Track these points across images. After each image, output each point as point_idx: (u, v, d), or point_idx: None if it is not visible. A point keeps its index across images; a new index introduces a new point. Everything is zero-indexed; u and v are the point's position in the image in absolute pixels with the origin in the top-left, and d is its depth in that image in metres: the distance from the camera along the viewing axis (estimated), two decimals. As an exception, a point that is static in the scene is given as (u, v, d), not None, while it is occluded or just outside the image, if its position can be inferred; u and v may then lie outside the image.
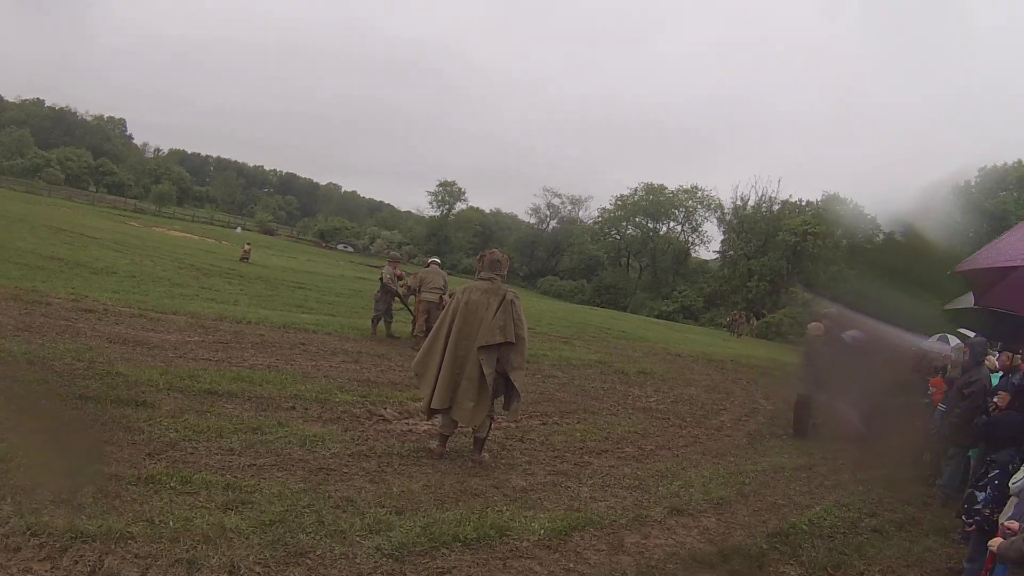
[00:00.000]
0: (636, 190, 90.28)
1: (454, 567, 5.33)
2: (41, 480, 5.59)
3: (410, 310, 17.86)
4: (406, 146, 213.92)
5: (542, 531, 6.26)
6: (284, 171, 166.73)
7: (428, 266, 17.48)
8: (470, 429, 8.38)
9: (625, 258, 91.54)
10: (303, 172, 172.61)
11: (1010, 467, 6.64)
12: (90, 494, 5.50)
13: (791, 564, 6.76)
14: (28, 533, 4.69)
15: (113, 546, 4.72)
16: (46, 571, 4.34)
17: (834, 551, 7.32)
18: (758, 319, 60.73)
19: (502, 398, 8.33)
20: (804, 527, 7.83)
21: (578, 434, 10.50)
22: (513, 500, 7.08)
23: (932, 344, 19.15)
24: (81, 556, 4.55)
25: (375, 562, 5.17)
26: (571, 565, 5.77)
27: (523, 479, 7.89)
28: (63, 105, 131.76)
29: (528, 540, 6.06)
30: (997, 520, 5.99)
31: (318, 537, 5.38)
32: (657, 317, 64.15)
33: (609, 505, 7.40)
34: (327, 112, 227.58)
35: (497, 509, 6.65)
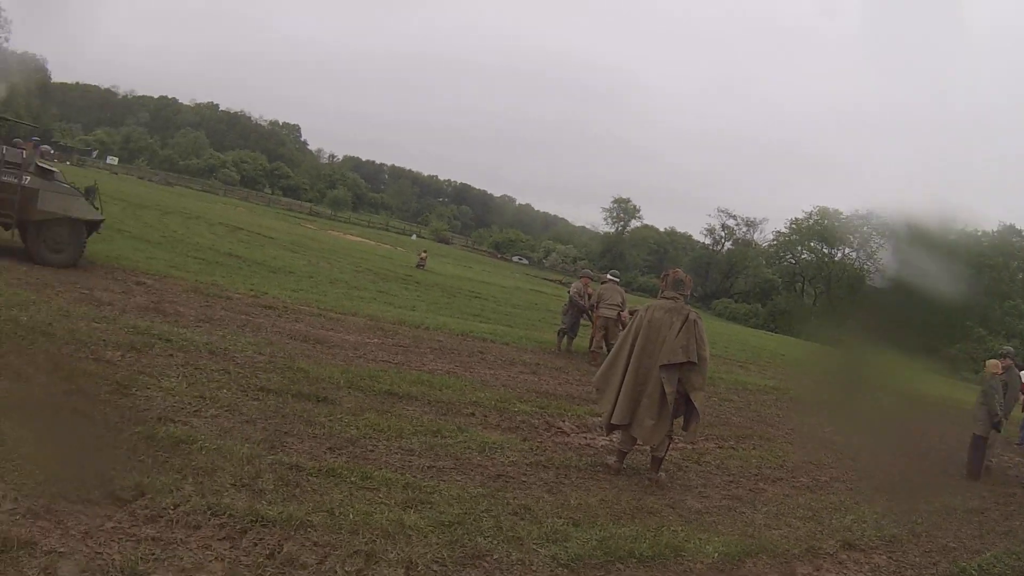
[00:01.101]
0: (811, 214, 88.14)
1: None
2: (222, 464, 5.96)
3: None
4: (579, 163, 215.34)
5: (716, 555, 6.26)
6: (459, 181, 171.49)
7: (605, 282, 17.56)
8: (648, 447, 8.49)
9: (800, 283, 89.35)
10: (477, 184, 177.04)
11: None
12: (271, 481, 5.83)
13: None
14: (209, 513, 4.99)
15: (293, 532, 4.97)
16: (225, 550, 4.58)
17: None
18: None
19: (681, 418, 8.44)
20: (974, 572, 7.53)
21: (753, 460, 10.44)
22: (688, 521, 7.13)
23: None
24: (260, 539, 4.80)
25: (551, 570, 5.26)
26: None
27: (698, 501, 7.94)
28: (238, 109, 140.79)
29: (701, 562, 6.08)
30: None
31: (495, 541, 5.51)
32: (830, 345, 61.78)
33: (782, 534, 7.37)
34: (498, 127, 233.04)
35: (672, 529, 6.71)
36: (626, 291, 18.60)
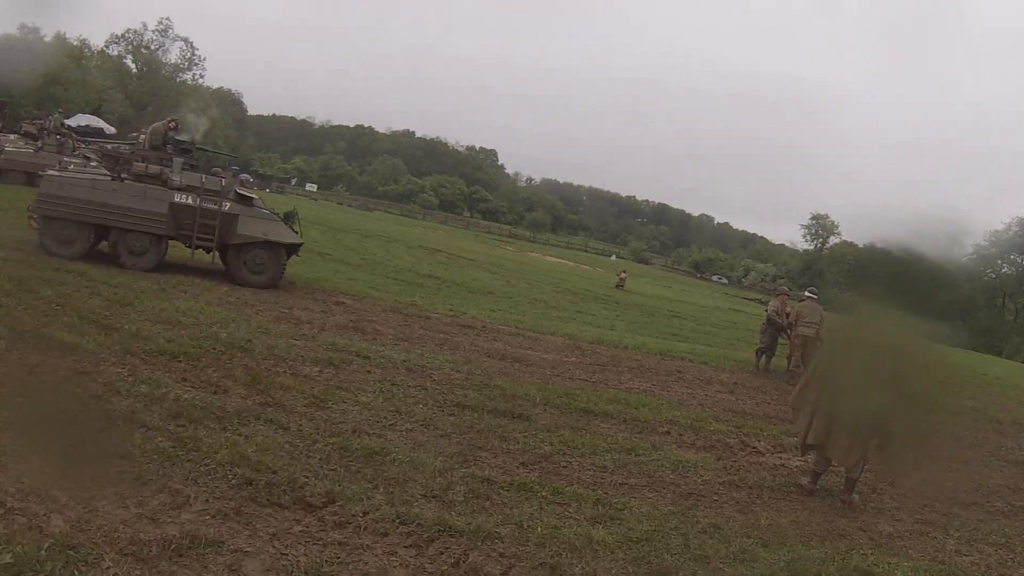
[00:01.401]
0: (1010, 225, 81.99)
1: None
2: (414, 476, 6.13)
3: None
4: (777, 180, 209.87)
5: None
6: (656, 201, 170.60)
7: (803, 300, 17.09)
8: (842, 468, 8.26)
9: (1000, 299, 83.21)
10: (675, 204, 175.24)
11: None
12: (461, 493, 5.96)
13: None
14: (397, 521, 5.15)
15: (480, 543, 5.04)
16: (411, 557, 4.69)
17: None
18: None
19: (876, 439, 8.08)
20: None
21: (948, 483, 9.82)
22: (878, 545, 6.89)
23: None
24: (447, 548, 4.90)
25: None
26: None
27: (890, 525, 7.65)
28: (434, 136, 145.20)
29: None
30: None
31: (682, 559, 5.45)
32: None
33: (973, 561, 7.03)
34: (695, 146, 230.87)
35: (862, 552, 6.50)
36: (825, 309, 18.07)
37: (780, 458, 9.40)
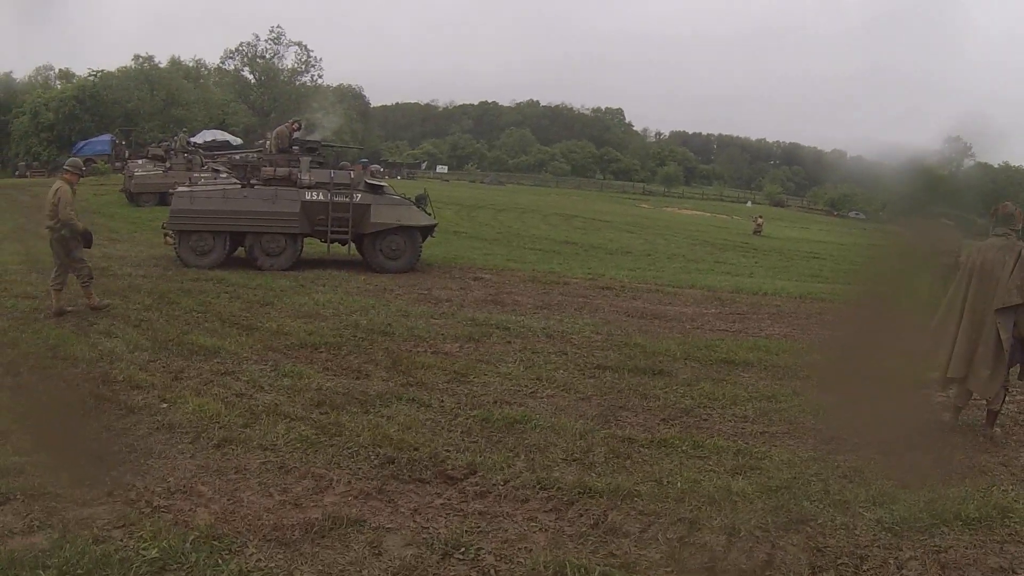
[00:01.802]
0: None
1: (950, 546, 4.98)
2: (555, 441, 6.21)
3: None
4: (908, 106, 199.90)
5: None
6: (787, 142, 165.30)
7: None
8: (983, 401, 7.82)
9: None
10: (807, 142, 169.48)
11: None
12: (602, 454, 5.99)
13: None
14: (537, 486, 5.22)
15: (619, 502, 5.06)
16: (551, 521, 4.76)
17: None
18: None
19: (1018, 367, 7.69)
20: None
21: None
22: (1020, 480, 6.48)
23: None
24: (586, 510, 4.94)
25: (874, 535, 4.98)
26: None
27: None
28: (559, 102, 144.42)
29: None
30: None
31: (821, 506, 5.32)
32: None
33: None
34: (821, 85, 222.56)
35: (1003, 489, 6.14)
36: (963, 236, 17.22)
37: (922, 394, 9.07)
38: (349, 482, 5.16)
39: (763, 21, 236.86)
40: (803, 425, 7.30)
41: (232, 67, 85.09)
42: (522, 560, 4.30)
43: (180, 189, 14.67)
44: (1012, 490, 6.17)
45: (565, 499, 5.04)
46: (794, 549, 4.69)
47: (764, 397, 8.07)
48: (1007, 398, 7.96)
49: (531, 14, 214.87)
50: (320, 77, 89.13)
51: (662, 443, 6.34)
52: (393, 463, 5.52)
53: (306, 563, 4.15)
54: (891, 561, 4.72)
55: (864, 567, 4.62)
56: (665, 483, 5.41)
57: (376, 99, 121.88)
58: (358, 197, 14.58)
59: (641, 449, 6.19)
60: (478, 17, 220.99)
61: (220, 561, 4.05)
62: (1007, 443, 7.62)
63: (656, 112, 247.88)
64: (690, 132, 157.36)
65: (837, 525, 5.06)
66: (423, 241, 15.51)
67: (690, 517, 4.89)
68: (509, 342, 9.75)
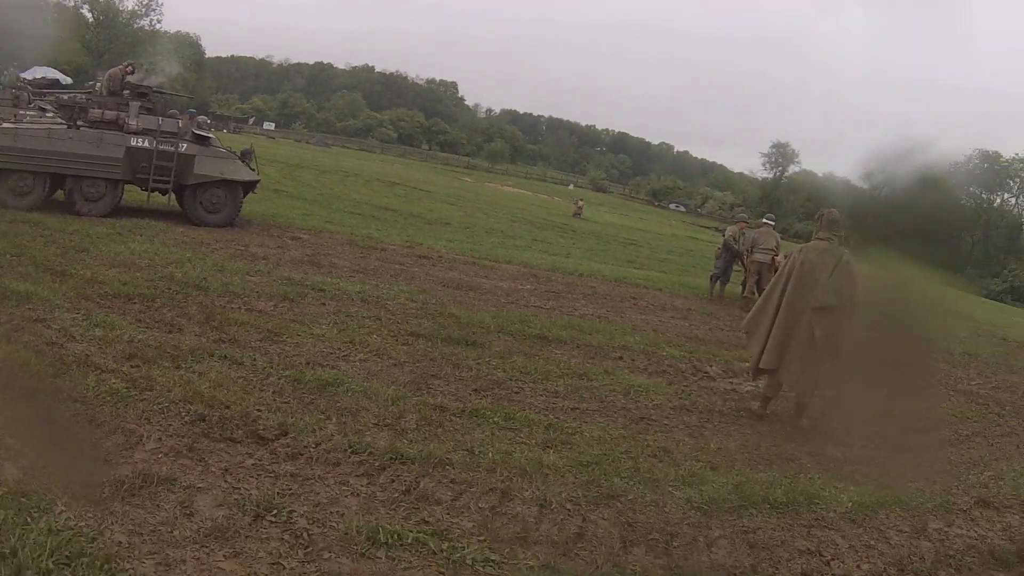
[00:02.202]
0: (969, 157, 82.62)
1: (759, 528, 5.24)
2: (367, 405, 6.10)
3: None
4: (739, 109, 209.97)
5: (850, 504, 6.07)
6: (616, 130, 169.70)
7: (760, 226, 17.15)
8: (794, 393, 8.27)
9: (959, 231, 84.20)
10: (635, 132, 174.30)
11: None
12: (414, 421, 5.93)
13: None
14: (349, 451, 5.11)
15: (431, 470, 5.02)
16: (362, 486, 4.67)
17: None
18: None
19: (829, 364, 8.06)
20: None
21: (898, 411, 9.85)
22: (826, 469, 6.92)
23: None
24: (398, 476, 4.87)
25: (683, 513, 5.16)
26: (872, 542, 5.55)
27: (838, 450, 7.63)
28: (394, 70, 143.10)
29: (835, 511, 5.90)
30: None
31: (631, 483, 5.46)
32: (985, 297, 58.48)
33: (918, 487, 7.03)
34: (653, 77, 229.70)
35: (809, 476, 6.53)
36: (782, 237, 18.18)
37: (731, 383, 9.42)
38: (160, 439, 4.88)
39: (622, 15, 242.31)
40: (614, 404, 7.47)
41: (72, 3, 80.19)
42: (334, 524, 4.18)
43: (4, 125, 13.64)
44: (818, 478, 6.51)
45: (377, 464, 4.95)
46: (605, 523, 4.78)
47: (576, 375, 8.20)
48: (816, 393, 8.37)
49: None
50: (159, 22, 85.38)
51: (474, 413, 6.34)
52: (204, 421, 5.27)
53: (116, 522, 3.88)
54: (701, 539, 4.87)
55: (674, 543, 4.75)
56: (477, 453, 5.40)
57: (212, 50, 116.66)
58: (184, 147, 13.89)
59: (453, 418, 6.16)
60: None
61: (29, 519, 3.73)
62: (815, 434, 8.01)
63: (493, 91, 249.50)
64: (521, 112, 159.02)
65: (647, 502, 5.18)
66: (244, 197, 14.97)
67: (502, 487, 4.90)
68: (324, 304, 9.52)
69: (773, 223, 17.50)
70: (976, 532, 6.37)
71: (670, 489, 5.49)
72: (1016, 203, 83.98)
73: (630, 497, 5.19)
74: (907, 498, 6.61)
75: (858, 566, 5.13)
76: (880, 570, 5.16)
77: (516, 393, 7.24)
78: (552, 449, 5.79)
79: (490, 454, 5.40)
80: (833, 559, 5.12)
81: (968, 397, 12.37)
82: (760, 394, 8.46)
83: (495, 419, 6.27)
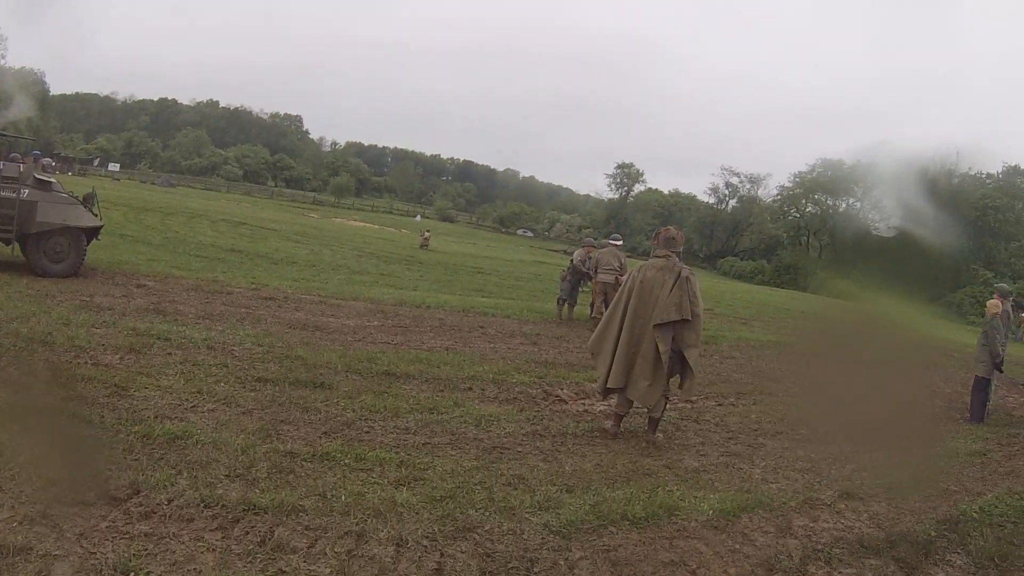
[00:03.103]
0: (814, 166, 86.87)
1: (620, 545, 5.35)
2: (217, 456, 6.00)
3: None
4: (584, 132, 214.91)
5: (711, 511, 6.23)
6: (462, 159, 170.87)
7: (605, 247, 17.53)
8: (645, 409, 8.45)
9: (805, 237, 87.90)
10: (480, 160, 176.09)
11: None
12: (264, 469, 5.86)
13: (958, 553, 6.43)
14: (202, 505, 5.03)
15: (284, 518, 4.99)
16: (217, 540, 4.61)
17: (1003, 540, 6.91)
18: (937, 299, 57.92)
19: (677, 377, 8.38)
20: (974, 515, 7.47)
21: (753, 415, 10.40)
22: (684, 480, 7.09)
23: None
24: (252, 527, 4.82)
25: (542, 538, 5.24)
26: (737, 546, 5.70)
27: (696, 460, 7.90)
28: (238, 105, 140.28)
29: (696, 520, 6.05)
30: None
31: (487, 513, 5.51)
32: (837, 297, 61.56)
33: (780, 487, 7.33)
34: (497, 102, 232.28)
35: (667, 489, 6.67)
36: (630, 255, 18.61)
37: (583, 405, 9.59)
38: (12, 507, 4.69)
39: (471, 39, 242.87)
40: (465, 435, 7.53)
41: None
42: (192, 582, 4.15)
43: None
44: (677, 490, 6.66)
45: (230, 517, 4.89)
46: (463, 556, 4.83)
47: (426, 409, 8.24)
48: (667, 406, 8.59)
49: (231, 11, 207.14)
50: (3, 57, 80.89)
51: (324, 456, 6.30)
52: (56, 484, 5.09)
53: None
54: (561, 562, 4.96)
55: (535, 569, 4.83)
56: (330, 497, 5.39)
57: (57, 87, 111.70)
58: (25, 193, 13.23)
59: (304, 463, 6.11)
60: (168, 5, 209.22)
61: None
62: (670, 447, 8.25)
63: (335, 119, 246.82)
64: (366, 143, 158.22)
65: (505, 531, 5.25)
66: (88, 243, 14.40)
67: (357, 530, 4.91)
68: (170, 353, 9.28)
69: (619, 243, 17.90)
70: (843, 523, 6.62)
71: (527, 515, 5.56)
72: (861, 206, 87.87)
73: (487, 528, 5.24)
74: (769, 499, 6.82)
75: (725, 571, 5.27)
76: (748, 572, 5.31)
77: (366, 433, 7.22)
78: (405, 486, 5.81)
79: (343, 497, 5.39)
80: (699, 567, 5.24)
81: (825, 395, 12.81)
82: (612, 412, 8.57)
83: (346, 461, 6.25)
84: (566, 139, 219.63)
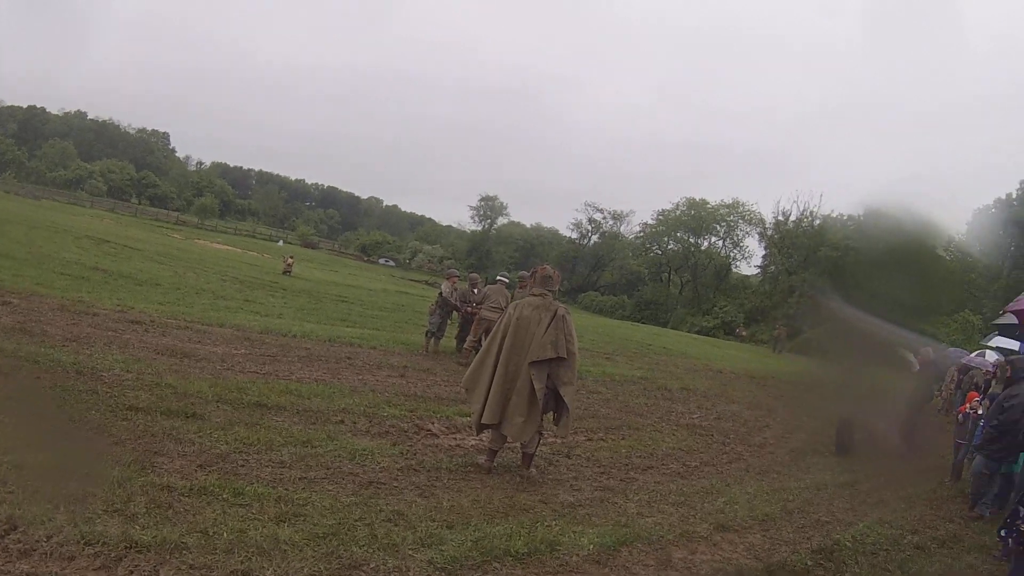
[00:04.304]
0: (678, 204, 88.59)
1: None
2: (93, 490, 5.70)
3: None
4: (447, 162, 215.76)
5: (591, 546, 6.29)
6: (326, 185, 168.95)
7: (495, 283, 17.56)
8: (518, 444, 8.45)
9: (666, 273, 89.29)
10: (344, 186, 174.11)
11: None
12: (143, 504, 5.61)
13: None
14: (83, 542, 4.78)
15: (168, 556, 4.80)
16: (102, 580, 4.40)
17: (877, 567, 7.35)
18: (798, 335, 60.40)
19: (552, 413, 8.42)
20: (848, 544, 7.83)
21: (623, 450, 10.58)
22: (561, 515, 7.13)
23: (973, 359, 18.89)
24: (136, 566, 4.63)
25: (428, 575, 5.20)
26: None
27: (570, 495, 7.95)
28: (106, 118, 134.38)
29: (577, 555, 6.10)
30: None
31: (371, 550, 5.43)
32: (698, 333, 63.32)
33: (656, 521, 7.45)
34: (362, 128, 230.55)
35: (546, 524, 6.70)
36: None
37: (455, 439, 9.54)
38: None
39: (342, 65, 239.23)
40: (341, 470, 7.39)
41: None
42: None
43: None
44: (556, 525, 6.69)
45: (113, 555, 4.67)
46: (351, 594, 4.72)
47: (300, 442, 8.05)
48: (541, 441, 8.58)
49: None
50: None
51: (202, 491, 6.08)
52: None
53: None
54: None
55: None
56: (212, 534, 5.20)
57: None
58: None
59: (182, 498, 5.88)
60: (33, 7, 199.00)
61: None
62: (544, 482, 8.26)
63: (202, 136, 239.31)
64: (231, 164, 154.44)
65: (390, 568, 5.18)
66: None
67: (242, 568, 4.76)
68: (39, 377, 8.82)
69: (507, 281, 17.94)
70: (721, 555, 6.79)
71: (410, 552, 5.50)
72: (723, 245, 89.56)
73: (372, 565, 5.16)
74: (646, 532, 6.91)
75: None
76: None
77: (242, 466, 7.01)
78: (286, 523, 5.67)
79: (225, 534, 5.22)
80: None
81: (691, 430, 13.08)
82: (486, 447, 8.53)
83: (224, 496, 6.04)
84: (432, 170, 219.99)
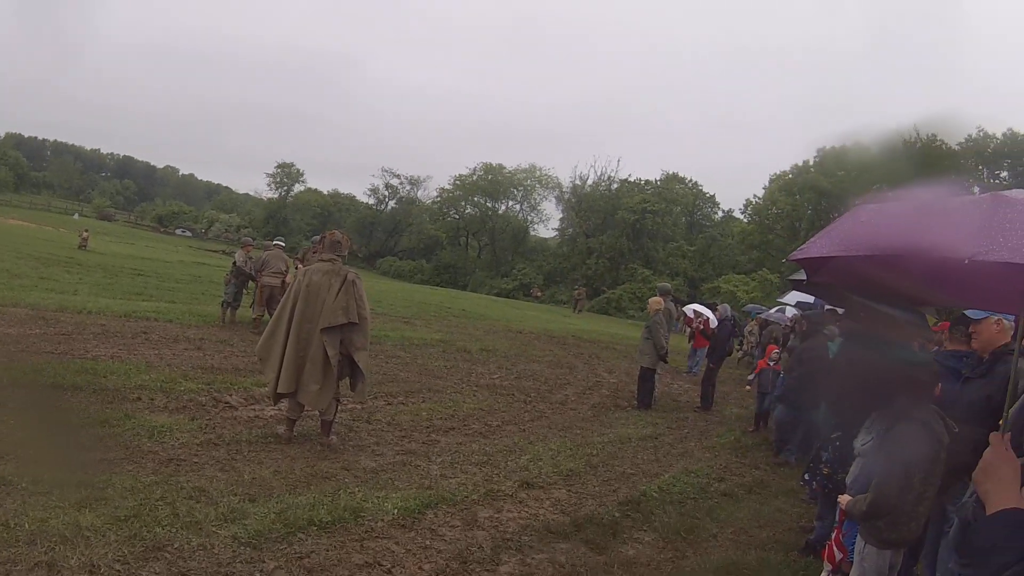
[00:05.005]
0: (475, 170, 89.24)
1: (312, 551, 5.32)
2: None
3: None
4: (245, 132, 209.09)
5: (396, 511, 6.32)
6: (122, 154, 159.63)
7: (270, 249, 17.18)
8: (317, 412, 8.35)
9: (464, 237, 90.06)
10: (141, 156, 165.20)
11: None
12: (-65, 500, 5.20)
13: (644, 530, 7.03)
14: None
15: (-32, 552, 4.49)
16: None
17: (686, 516, 7.67)
18: (597, 296, 62.66)
19: (347, 379, 8.34)
20: (655, 494, 8.16)
21: (424, 413, 10.61)
22: (364, 481, 7.11)
23: (771, 315, 20.37)
24: (-67, 565, 4.31)
25: (233, 551, 5.10)
26: (427, 542, 5.86)
27: (372, 460, 7.93)
28: None
29: (383, 520, 6.12)
30: (843, 479, 6.36)
31: (174, 530, 5.26)
32: (496, 295, 64.14)
33: (460, 482, 7.55)
34: (160, 98, 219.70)
35: (349, 491, 6.67)
36: (291, 256, 18.21)
37: (254, 410, 9.30)
38: None
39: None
40: (140, 448, 7.09)
41: None
42: None
43: None
44: (359, 491, 6.64)
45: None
46: (159, 576, 4.59)
47: (97, 422, 7.65)
48: (339, 408, 8.48)
49: None
50: None
51: (1, 481, 5.69)
52: None
53: None
54: (257, 574, 4.83)
55: None
56: (13, 525, 4.90)
57: None
58: None
59: (-23, 490, 5.48)
60: None
61: None
62: (345, 449, 8.15)
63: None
64: (26, 135, 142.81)
65: (195, 547, 5.04)
66: None
67: (47, 559, 4.51)
68: None
69: (283, 245, 17.56)
70: (527, 512, 6.89)
71: (214, 529, 5.37)
72: (520, 209, 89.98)
73: (176, 545, 5.02)
74: (451, 494, 6.96)
75: (420, 567, 5.35)
76: (442, 567, 5.42)
77: (40, 452, 6.58)
78: (88, 508, 5.39)
79: (26, 524, 4.93)
80: (394, 566, 5.28)
81: (492, 391, 13.17)
82: (285, 417, 8.35)
83: (23, 484, 5.66)
84: (228, 140, 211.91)
